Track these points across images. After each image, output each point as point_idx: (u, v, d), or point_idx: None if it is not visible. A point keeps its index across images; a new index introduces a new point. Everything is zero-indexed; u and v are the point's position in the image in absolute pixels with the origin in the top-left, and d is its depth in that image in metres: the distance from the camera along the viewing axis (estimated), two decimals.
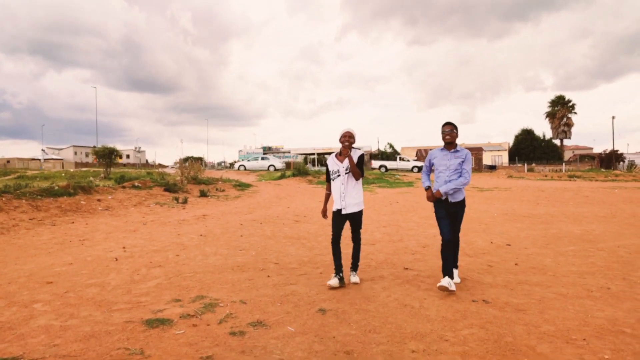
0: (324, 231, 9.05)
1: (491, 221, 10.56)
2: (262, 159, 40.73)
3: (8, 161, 63.64)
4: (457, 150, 4.91)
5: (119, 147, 26.12)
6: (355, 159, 4.96)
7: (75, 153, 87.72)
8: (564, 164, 52.86)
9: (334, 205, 5.05)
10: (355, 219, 5.04)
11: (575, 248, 7.17)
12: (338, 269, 4.97)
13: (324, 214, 5.29)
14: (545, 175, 34.72)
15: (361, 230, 5.22)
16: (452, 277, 4.77)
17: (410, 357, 3.15)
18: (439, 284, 4.63)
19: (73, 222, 10.22)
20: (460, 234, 8.82)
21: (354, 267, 5.19)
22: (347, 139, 4.94)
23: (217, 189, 18.86)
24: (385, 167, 42.92)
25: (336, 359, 3.13)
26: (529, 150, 65.15)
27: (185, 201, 14.70)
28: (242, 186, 21.62)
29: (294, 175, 28.69)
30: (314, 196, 18.21)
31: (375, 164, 44.61)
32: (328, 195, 5.26)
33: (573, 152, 76.56)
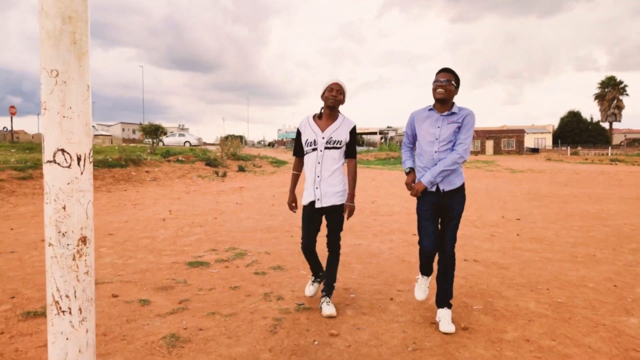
0: None
1: (511, 200, 10.99)
2: (179, 135, 41.60)
3: None
4: (453, 112, 3.17)
5: (163, 124, 27.58)
6: (346, 134, 3.36)
7: (123, 129, 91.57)
8: (610, 148, 50.98)
9: (305, 196, 3.48)
10: (335, 215, 3.44)
11: (582, 224, 7.62)
12: (316, 272, 3.71)
13: (292, 205, 3.61)
14: (586, 159, 33.92)
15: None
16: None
17: (394, 293, 3.92)
18: (415, 293, 3.52)
19: (125, 190, 11.45)
20: (473, 211, 9.38)
21: (328, 290, 3.54)
22: (336, 94, 3.31)
23: (254, 165, 19.94)
24: None
25: (336, 293, 3.92)
26: (574, 133, 63.00)
27: (224, 175, 15.81)
28: (278, 163, 22.66)
29: None
30: None
31: None
32: (296, 177, 3.64)
33: (625, 135, 73.26)
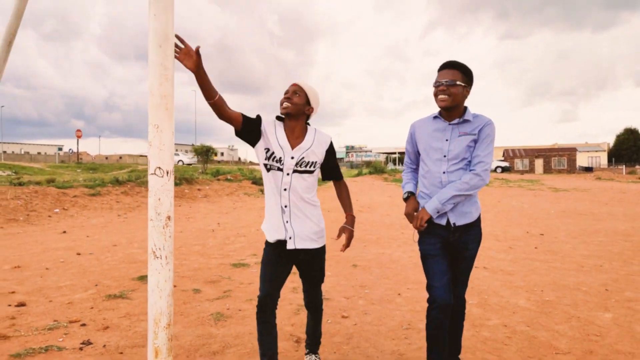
0: (380, 220, 10.48)
1: (543, 217, 11.25)
2: (175, 154, 41.88)
3: (120, 157, 72.25)
4: (466, 120, 2.48)
5: (214, 145, 29.34)
6: (321, 153, 2.54)
7: (177, 150, 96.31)
8: None
9: (268, 231, 2.54)
10: (314, 264, 2.65)
11: (604, 239, 7.90)
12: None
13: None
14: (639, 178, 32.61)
15: None
16: None
17: (403, 290, 4.60)
18: None
19: (180, 206, 12.67)
20: (501, 227, 9.83)
21: (313, 344, 2.87)
22: (290, 96, 2.51)
23: None
24: None
25: (353, 289, 4.65)
26: (631, 151, 60.30)
27: None
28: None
29: (370, 173, 30.17)
30: (384, 192, 19.59)
31: None
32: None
33: None
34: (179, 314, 3.81)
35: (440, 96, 2.44)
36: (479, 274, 5.30)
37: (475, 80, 2.58)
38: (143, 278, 4.93)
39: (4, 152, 56.67)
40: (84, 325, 3.50)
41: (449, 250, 2.53)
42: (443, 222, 2.48)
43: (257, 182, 18.93)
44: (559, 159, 54.30)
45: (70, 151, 56.39)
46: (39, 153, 67.60)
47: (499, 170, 42.24)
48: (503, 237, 8.15)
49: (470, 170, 2.44)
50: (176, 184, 15.13)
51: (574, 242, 7.64)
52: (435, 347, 2.49)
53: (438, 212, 2.45)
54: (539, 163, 55.01)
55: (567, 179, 32.68)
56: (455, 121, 2.48)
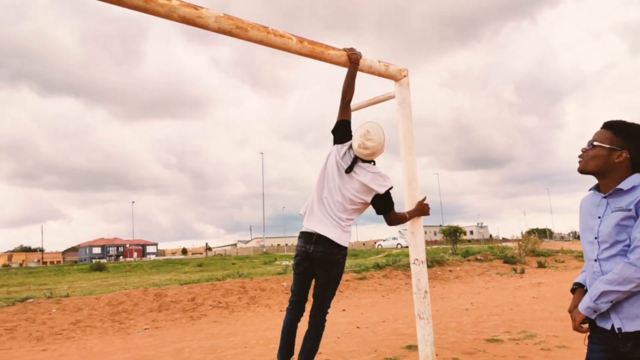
0: None
1: None
2: (393, 239, 37.04)
3: (375, 242, 78.62)
4: (619, 191, 1.97)
5: (461, 224, 29.89)
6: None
7: (426, 232, 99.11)
8: None
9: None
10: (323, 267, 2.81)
11: None
12: None
13: None
14: None
15: None
16: None
17: None
18: None
19: (434, 287, 13.61)
20: None
21: None
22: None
23: (555, 260, 19.38)
24: None
25: None
26: None
27: (522, 271, 16.26)
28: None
29: None
30: None
31: None
32: None
33: None
34: None
35: (579, 158, 2.15)
36: None
37: None
38: (411, 347, 5.96)
39: (286, 244, 69.33)
40: None
41: None
42: (607, 326, 1.95)
43: (509, 260, 18.41)
44: None
45: None
46: None
47: None
48: None
49: (629, 256, 1.86)
50: (428, 267, 16.21)
51: None
52: None
53: (595, 312, 1.98)
54: None
55: None
56: (608, 195, 2.02)
